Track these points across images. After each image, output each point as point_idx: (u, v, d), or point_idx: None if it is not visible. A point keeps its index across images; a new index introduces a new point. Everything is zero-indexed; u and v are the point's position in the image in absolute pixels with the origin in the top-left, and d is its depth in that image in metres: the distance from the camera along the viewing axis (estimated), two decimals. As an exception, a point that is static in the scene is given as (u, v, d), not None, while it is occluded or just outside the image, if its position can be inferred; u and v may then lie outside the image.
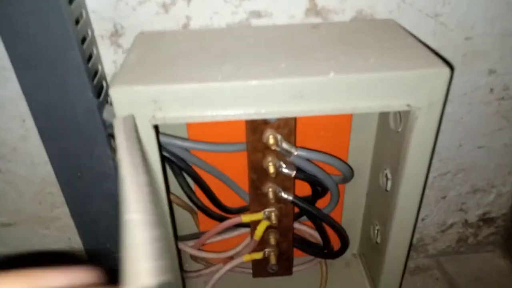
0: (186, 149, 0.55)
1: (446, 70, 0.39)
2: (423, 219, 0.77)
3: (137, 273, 0.22)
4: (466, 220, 0.79)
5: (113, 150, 0.51)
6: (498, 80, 0.61)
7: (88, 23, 0.48)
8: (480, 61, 0.59)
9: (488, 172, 0.73)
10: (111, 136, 0.50)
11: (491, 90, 0.62)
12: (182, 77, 0.39)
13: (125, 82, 0.38)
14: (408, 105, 0.41)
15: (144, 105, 0.38)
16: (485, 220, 0.80)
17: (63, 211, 0.66)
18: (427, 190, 0.73)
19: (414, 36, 0.47)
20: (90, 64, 0.47)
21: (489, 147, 0.69)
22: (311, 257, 0.71)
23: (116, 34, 0.50)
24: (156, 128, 0.40)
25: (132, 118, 0.38)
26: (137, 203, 0.27)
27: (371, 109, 0.41)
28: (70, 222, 0.67)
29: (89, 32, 0.48)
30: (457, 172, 0.72)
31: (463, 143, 0.68)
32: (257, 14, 0.51)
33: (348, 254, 0.74)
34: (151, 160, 0.42)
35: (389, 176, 0.55)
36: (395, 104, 0.41)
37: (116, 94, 0.38)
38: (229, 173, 0.59)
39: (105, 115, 0.48)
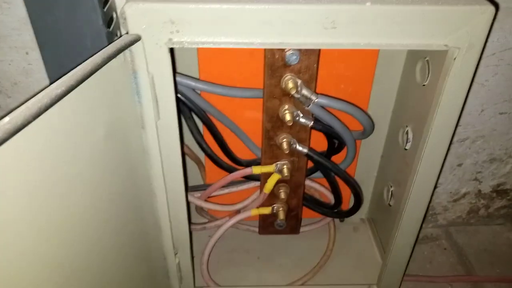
0: (197, 92, 0.52)
1: (491, 8, 0.36)
2: (436, 187, 0.75)
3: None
4: (479, 191, 0.77)
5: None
6: (530, 41, 0.58)
7: None
8: (513, 18, 0.55)
9: (507, 140, 0.70)
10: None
11: (522, 52, 0.59)
12: (203, -2, 0.35)
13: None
14: (446, 45, 0.38)
15: (161, 26, 0.35)
16: (499, 191, 0.77)
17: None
18: (442, 156, 0.70)
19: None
20: (101, -11, 0.43)
21: (511, 114, 0.66)
22: (319, 219, 0.69)
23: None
24: (171, 52, 0.37)
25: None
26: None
27: (406, 47, 0.38)
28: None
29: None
30: (476, 139, 0.69)
31: (485, 108, 0.65)
32: None
33: (356, 218, 0.72)
34: (164, 89, 0.39)
35: (410, 134, 0.52)
36: (432, 42, 0.38)
37: (132, 11, 0.34)
38: (241, 124, 0.57)
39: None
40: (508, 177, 0.75)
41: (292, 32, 0.36)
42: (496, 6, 0.37)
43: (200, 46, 0.36)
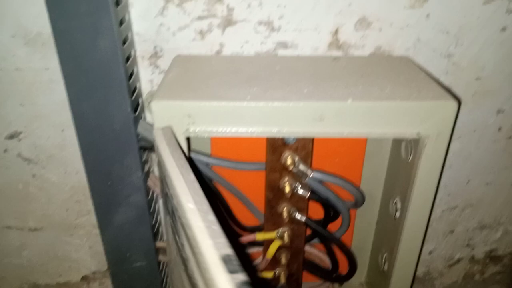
0: (208, 165, 0.59)
1: (454, 103, 0.43)
2: (430, 252, 0.79)
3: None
4: (473, 256, 0.81)
5: (143, 162, 0.55)
6: (506, 119, 0.65)
7: (132, 44, 0.53)
8: (489, 101, 0.63)
9: (495, 209, 0.75)
10: (142, 148, 0.55)
11: (500, 128, 0.66)
12: (215, 95, 0.43)
13: (165, 97, 0.43)
14: (418, 134, 0.45)
15: (180, 118, 0.43)
16: (492, 258, 0.81)
17: (87, 220, 0.70)
18: (435, 223, 0.76)
19: (427, 73, 0.51)
20: (130, 81, 0.52)
21: (496, 184, 0.72)
22: (319, 283, 0.73)
23: (155, 55, 0.55)
24: (188, 140, 0.45)
25: (171, 129, 0.43)
26: (194, 195, 0.30)
27: (384, 135, 0.45)
28: (93, 231, 0.71)
29: (132, 53, 0.53)
30: (465, 207, 0.75)
31: (471, 179, 0.71)
32: (284, 45, 0.56)
33: (355, 282, 0.76)
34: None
35: (398, 204, 0.58)
36: (406, 131, 0.45)
37: (157, 107, 0.42)
38: (246, 192, 0.63)
39: (140, 129, 0.53)
40: (500, 243, 0.80)
41: (287, 123, 0.44)
42: (459, 101, 0.44)
43: (212, 135, 0.43)
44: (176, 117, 0.43)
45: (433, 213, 0.74)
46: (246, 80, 0.48)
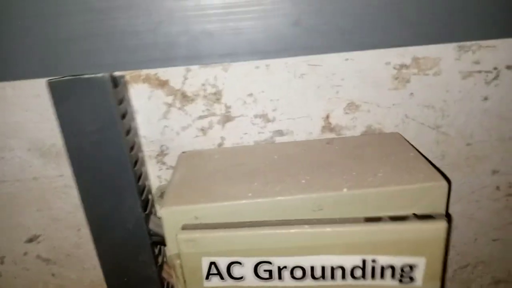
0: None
1: (444, 183, 0.46)
2: (448, 313, 0.79)
3: None
4: (492, 313, 0.81)
5: (156, 256, 0.57)
6: (502, 179, 0.67)
7: (139, 147, 0.57)
8: (483, 163, 0.65)
9: (507, 263, 0.76)
10: (155, 243, 0.57)
11: (498, 187, 0.68)
12: (219, 195, 0.47)
13: (173, 203, 0.46)
14: (414, 215, 0.47)
15: (188, 221, 0.46)
16: (512, 312, 0.81)
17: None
18: (449, 283, 0.76)
19: (416, 149, 0.54)
20: (140, 182, 0.55)
21: (503, 240, 0.73)
22: None
23: (161, 154, 0.59)
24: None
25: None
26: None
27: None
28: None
29: (140, 155, 0.57)
30: (476, 264, 0.75)
31: (478, 237, 0.72)
32: (280, 133, 0.60)
33: None
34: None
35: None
36: (402, 213, 0.47)
37: (166, 214, 0.45)
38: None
39: (151, 225, 0.56)
40: (517, 297, 0.80)
41: (287, 215, 0.46)
42: (449, 182, 0.47)
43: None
44: (184, 220, 0.46)
45: (445, 274, 0.74)
46: (247, 174, 0.51)
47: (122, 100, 0.52)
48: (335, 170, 0.50)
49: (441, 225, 0.44)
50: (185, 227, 0.46)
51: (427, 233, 0.45)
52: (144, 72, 0.55)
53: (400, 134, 0.60)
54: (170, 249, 0.47)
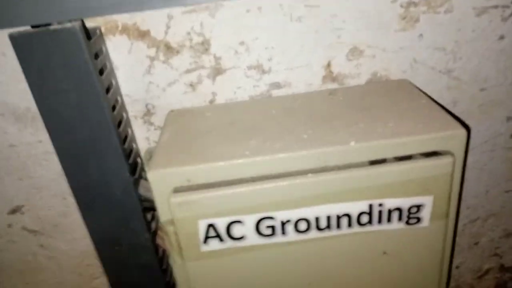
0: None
1: (463, 132, 0.41)
2: (457, 267, 0.77)
3: None
4: (502, 265, 0.78)
5: (148, 223, 0.53)
6: (518, 126, 0.63)
7: (123, 107, 0.52)
8: (498, 110, 0.61)
9: (519, 215, 0.72)
10: (146, 209, 0.53)
11: (512, 135, 0.63)
12: (213, 155, 0.42)
13: (161, 165, 0.41)
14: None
15: (179, 183, 0.41)
16: (523, 263, 0.78)
17: (102, 281, 0.68)
18: (458, 238, 0.73)
19: (428, 96, 0.49)
20: (126, 145, 0.50)
21: (516, 191, 0.69)
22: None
23: (148, 113, 0.54)
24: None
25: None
26: None
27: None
28: (109, 292, 0.69)
29: (124, 115, 0.52)
30: (487, 217, 0.72)
31: (490, 189, 0.68)
32: (277, 85, 0.54)
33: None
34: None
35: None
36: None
37: (155, 177, 0.41)
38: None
39: (141, 190, 0.51)
40: (529, 248, 0.77)
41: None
42: (468, 129, 0.42)
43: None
44: (175, 183, 0.41)
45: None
46: (243, 131, 0.46)
47: (98, 54, 0.46)
48: (340, 123, 0.45)
49: (447, 160, 0.41)
50: (177, 190, 0.41)
51: (433, 170, 0.41)
52: (121, 21, 0.48)
53: (409, 81, 0.55)
54: (162, 215, 0.43)
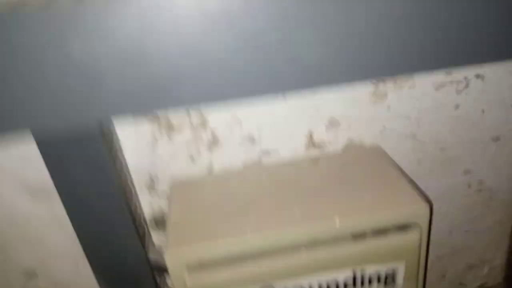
0: None
1: (427, 206, 0.49)
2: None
3: None
4: (466, 295, 0.87)
5: (158, 285, 0.59)
6: (473, 177, 0.72)
7: (130, 179, 0.58)
8: (456, 165, 0.70)
9: (478, 250, 0.82)
10: (156, 270, 0.59)
11: (469, 185, 0.73)
12: (219, 232, 0.49)
13: (177, 244, 0.48)
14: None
15: (192, 259, 0.48)
16: (484, 291, 0.88)
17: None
18: (428, 273, 0.82)
19: (397, 164, 0.58)
20: (136, 224, 0.56)
21: (475, 230, 0.79)
22: None
23: (152, 183, 0.60)
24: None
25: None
26: None
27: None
28: None
29: (133, 190, 0.58)
30: (452, 253, 0.81)
31: (452, 229, 0.78)
32: (267, 152, 0.62)
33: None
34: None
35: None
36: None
37: (171, 255, 0.47)
38: None
39: (151, 255, 0.57)
40: (488, 278, 0.87)
41: (284, 244, 0.49)
42: (430, 204, 0.50)
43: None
44: (188, 259, 0.48)
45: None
46: (242, 206, 0.53)
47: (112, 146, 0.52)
48: (324, 197, 0.53)
49: (415, 231, 0.49)
50: (190, 266, 0.47)
51: (403, 240, 0.49)
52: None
53: (381, 147, 0.63)
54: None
